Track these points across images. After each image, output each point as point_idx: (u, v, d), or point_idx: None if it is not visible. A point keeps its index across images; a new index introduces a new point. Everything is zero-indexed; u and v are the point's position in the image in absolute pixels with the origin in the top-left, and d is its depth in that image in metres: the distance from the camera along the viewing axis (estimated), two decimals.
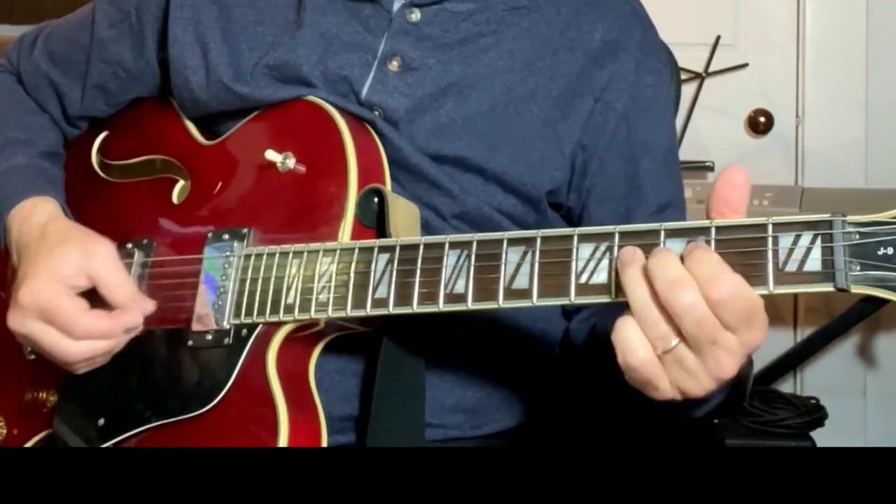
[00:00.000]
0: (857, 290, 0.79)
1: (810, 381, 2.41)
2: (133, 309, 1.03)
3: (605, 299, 0.85)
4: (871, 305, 2.04)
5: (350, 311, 0.96)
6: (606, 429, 1.23)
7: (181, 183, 1.15)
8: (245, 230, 1.06)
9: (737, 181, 0.83)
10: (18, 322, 1.02)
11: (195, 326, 1.04)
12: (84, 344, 1.02)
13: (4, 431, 1.14)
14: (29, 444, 1.11)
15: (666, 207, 1.15)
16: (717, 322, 0.79)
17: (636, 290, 0.81)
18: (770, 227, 0.81)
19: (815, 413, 2.13)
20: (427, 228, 1.09)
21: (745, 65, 2.36)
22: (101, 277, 1.03)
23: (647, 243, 0.84)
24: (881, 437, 2.38)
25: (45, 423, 1.10)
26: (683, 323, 0.79)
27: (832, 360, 2.40)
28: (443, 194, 1.10)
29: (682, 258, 0.80)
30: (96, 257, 1.03)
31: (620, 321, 0.82)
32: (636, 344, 0.81)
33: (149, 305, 1.05)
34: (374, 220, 1.02)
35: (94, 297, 1.04)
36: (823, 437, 2.11)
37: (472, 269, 0.91)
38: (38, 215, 1.10)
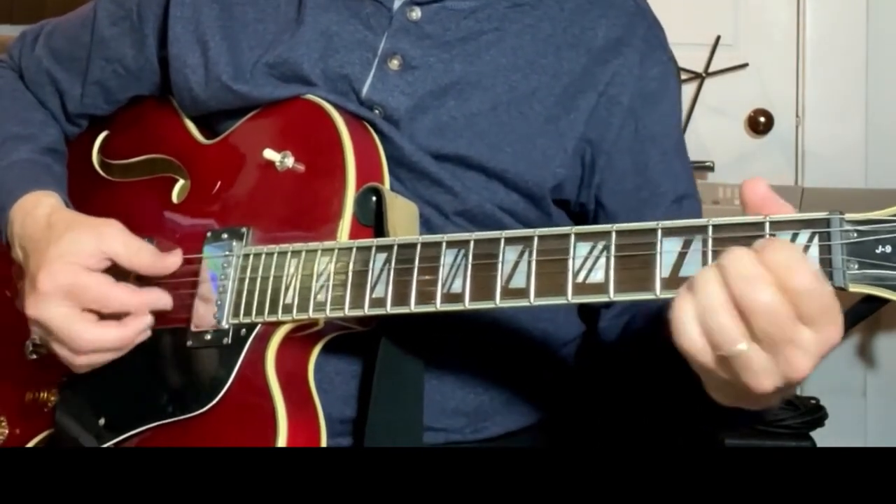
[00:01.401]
0: (855, 288, 0.78)
1: (810, 381, 2.40)
2: (160, 268, 1.04)
3: (602, 299, 0.85)
4: (871, 305, 2.04)
5: (348, 311, 0.95)
6: (607, 430, 1.23)
7: (181, 182, 1.15)
8: (244, 229, 1.06)
9: (762, 195, 0.80)
10: (39, 308, 1.02)
11: (194, 326, 1.04)
12: (110, 330, 1.02)
13: (6, 431, 1.14)
14: (30, 445, 1.12)
15: (683, 199, 1.14)
16: (794, 317, 0.74)
17: (709, 289, 0.76)
18: (767, 226, 0.80)
19: (815, 413, 2.12)
20: (428, 226, 1.09)
21: (745, 65, 2.36)
22: (118, 250, 1.03)
23: (645, 241, 0.84)
24: (881, 437, 2.38)
25: (47, 423, 1.11)
26: (758, 321, 0.74)
27: (832, 360, 2.38)
28: (444, 192, 1.10)
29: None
30: (108, 235, 1.04)
31: (680, 296, 0.77)
32: (692, 331, 0.77)
33: (174, 260, 1.05)
34: (373, 219, 1.02)
35: None
36: (823, 437, 2.10)
37: (469, 268, 0.91)
38: (42, 207, 1.10)
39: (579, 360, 1.19)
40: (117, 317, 1.03)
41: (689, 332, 0.77)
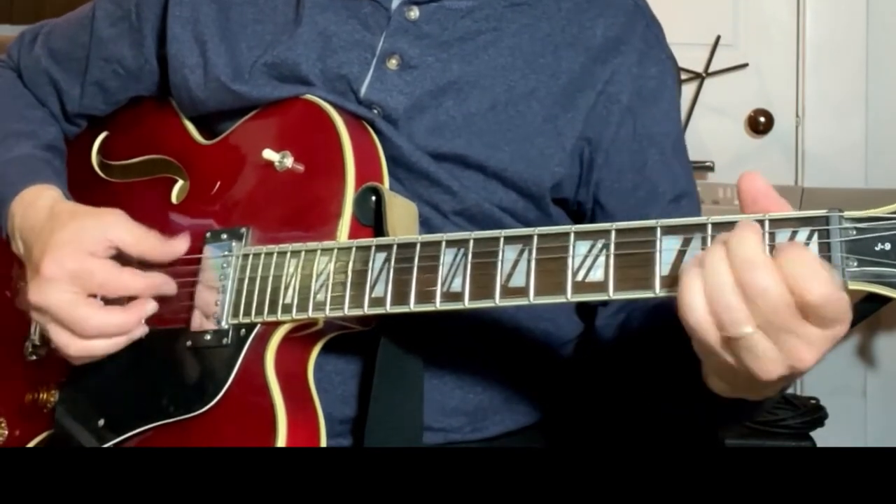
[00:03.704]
0: (854, 286, 0.78)
1: (810, 381, 2.41)
2: (167, 252, 1.04)
3: (601, 297, 0.85)
4: (871, 305, 2.03)
5: (347, 311, 0.95)
6: (607, 429, 1.23)
7: (180, 183, 1.15)
8: (243, 229, 1.06)
9: (760, 189, 0.80)
10: (43, 293, 1.01)
11: (194, 326, 1.04)
12: (114, 314, 1.01)
13: (6, 433, 1.14)
14: (30, 445, 1.12)
15: (681, 198, 1.14)
16: (795, 312, 0.74)
17: (717, 268, 0.75)
18: (767, 224, 0.80)
19: (815, 413, 2.12)
20: (427, 226, 1.09)
21: (745, 65, 2.37)
22: (124, 237, 1.03)
23: (644, 240, 0.84)
24: (881, 437, 2.38)
25: (46, 424, 1.11)
26: (759, 307, 0.74)
27: (832, 360, 2.39)
28: (443, 191, 1.10)
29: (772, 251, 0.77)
30: (112, 223, 1.04)
31: (689, 272, 0.77)
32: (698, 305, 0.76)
33: (180, 244, 1.06)
34: (372, 219, 1.02)
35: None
36: (823, 437, 2.10)
37: (468, 267, 0.91)
38: (44, 199, 1.10)
39: (578, 358, 1.19)
40: (121, 304, 1.03)
41: (697, 308, 0.76)
